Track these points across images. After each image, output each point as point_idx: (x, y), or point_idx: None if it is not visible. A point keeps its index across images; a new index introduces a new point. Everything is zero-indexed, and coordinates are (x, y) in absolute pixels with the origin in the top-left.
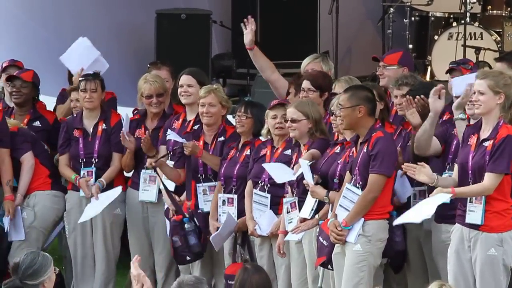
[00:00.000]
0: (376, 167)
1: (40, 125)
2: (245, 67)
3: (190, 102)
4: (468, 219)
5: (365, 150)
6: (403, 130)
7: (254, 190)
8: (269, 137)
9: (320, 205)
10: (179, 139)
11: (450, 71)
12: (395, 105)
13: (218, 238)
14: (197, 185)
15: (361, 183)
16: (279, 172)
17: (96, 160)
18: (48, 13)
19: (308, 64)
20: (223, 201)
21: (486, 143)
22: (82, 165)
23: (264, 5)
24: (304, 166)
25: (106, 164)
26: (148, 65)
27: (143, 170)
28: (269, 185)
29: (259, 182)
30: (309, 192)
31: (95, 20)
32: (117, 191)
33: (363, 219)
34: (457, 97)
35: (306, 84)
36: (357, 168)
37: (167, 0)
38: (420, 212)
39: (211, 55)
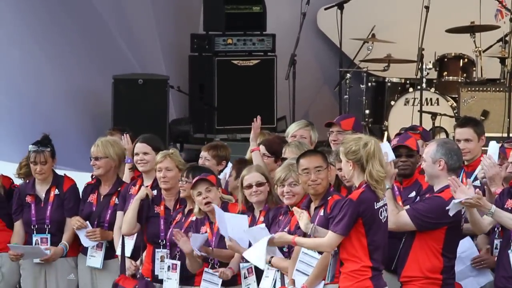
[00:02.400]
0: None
1: None
2: (202, 132)
3: (147, 169)
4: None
5: (321, 214)
6: None
7: (205, 269)
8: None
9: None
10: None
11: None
12: (341, 177)
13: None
14: (156, 250)
15: None
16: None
17: (49, 226)
18: (8, 79)
19: (297, 130)
20: (168, 266)
21: None
22: (34, 232)
23: (221, 71)
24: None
25: (59, 230)
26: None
27: None
28: (219, 263)
29: (209, 260)
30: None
31: (53, 85)
32: None
33: (323, 282)
34: None
35: (261, 149)
36: None
37: (124, 65)
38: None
39: (168, 120)
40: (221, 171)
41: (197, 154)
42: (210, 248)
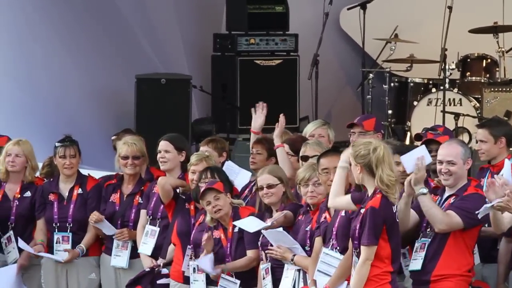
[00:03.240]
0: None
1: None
2: (225, 132)
3: (167, 168)
4: None
5: (343, 214)
6: None
7: (222, 275)
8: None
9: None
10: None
11: (418, 137)
12: None
13: None
14: (188, 247)
15: (338, 247)
16: (249, 224)
17: (71, 225)
18: (32, 78)
19: (315, 129)
20: (194, 268)
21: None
22: (56, 230)
23: (244, 70)
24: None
25: (81, 229)
26: (112, 137)
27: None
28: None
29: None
30: (286, 265)
31: (74, 85)
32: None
33: (346, 282)
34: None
35: (286, 148)
36: (334, 233)
37: (147, 65)
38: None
39: (191, 119)
40: (223, 163)
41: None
42: (223, 265)
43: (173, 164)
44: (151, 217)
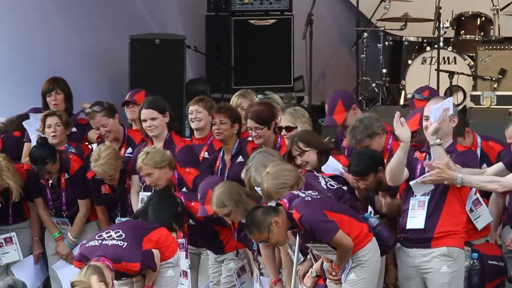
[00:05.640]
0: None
1: None
2: (219, 92)
3: (157, 134)
4: None
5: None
6: None
7: None
8: None
9: None
10: None
11: (405, 107)
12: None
13: None
14: None
15: None
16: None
17: (66, 212)
18: (22, 39)
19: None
20: None
21: None
22: (53, 214)
23: (238, 30)
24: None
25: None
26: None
27: (117, 218)
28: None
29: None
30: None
31: (68, 46)
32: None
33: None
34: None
35: (251, 123)
36: None
37: (141, 26)
38: None
39: (185, 80)
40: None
41: None
42: None
43: (161, 128)
44: (144, 184)
